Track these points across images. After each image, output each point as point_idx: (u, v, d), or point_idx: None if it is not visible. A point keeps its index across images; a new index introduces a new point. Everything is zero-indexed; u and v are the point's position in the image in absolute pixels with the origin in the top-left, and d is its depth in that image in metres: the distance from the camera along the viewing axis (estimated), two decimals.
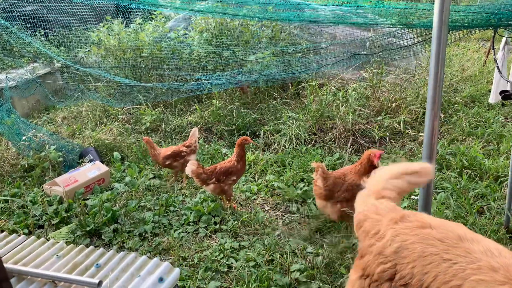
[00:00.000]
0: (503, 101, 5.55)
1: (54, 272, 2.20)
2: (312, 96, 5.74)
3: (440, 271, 1.40)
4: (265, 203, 4.10)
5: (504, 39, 3.79)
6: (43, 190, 4.35)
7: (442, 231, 1.52)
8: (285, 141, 5.18)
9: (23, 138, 4.78)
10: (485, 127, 5.21)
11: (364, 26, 4.97)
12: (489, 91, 5.40)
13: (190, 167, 3.83)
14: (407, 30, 4.11)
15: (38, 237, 2.64)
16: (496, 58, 3.45)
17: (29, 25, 6.92)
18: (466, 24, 3.29)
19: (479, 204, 3.72)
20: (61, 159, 4.77)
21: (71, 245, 2.53)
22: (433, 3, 2.12)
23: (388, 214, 1.76)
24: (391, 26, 4.03)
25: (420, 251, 1.49)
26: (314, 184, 3.58)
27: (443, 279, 1.38)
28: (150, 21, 7.37)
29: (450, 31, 3.62)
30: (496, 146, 4.75)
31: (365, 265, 1.66)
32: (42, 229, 3.79)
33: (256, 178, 4.54)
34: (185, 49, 6.52)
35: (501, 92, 3.02)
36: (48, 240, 2.60)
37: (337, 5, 3.99)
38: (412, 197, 3.91)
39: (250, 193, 4.22)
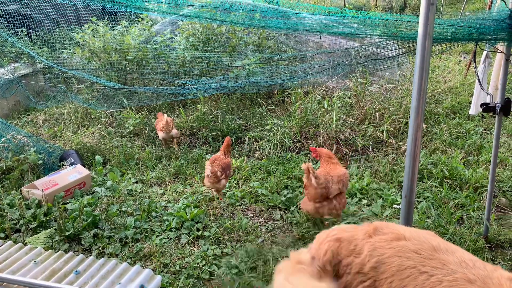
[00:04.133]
0: (483, 113, 5.68)
1: (31, 279, 2.14)
2: (297, 103, 5.77)
3: (417, 284, 1.40)
4: (248, 210, 4.08)
5: (485, 53, 3.86)
6: (21, 193, 4.24)
7: (417, 243, 1.52)
8: (270, 148, 5.18)
9: (2, 139, 4.66)
10: (466, 138, 5.32)
11: (350, 36, 5.01)
12: (470, 103, 5.51)
13: (209, 168, 3.86)
14: (392, 41, 4.17)
15: (15, 242, 2.58)
16: (477, 71, 3.52)
17: (12, 24, 6.78)
18: (449, 37, 3.35)
19: (459, 214, 3.79)
20: (41, 161, 4.66)
21: (50, 250, 2.47)
22: (418, 16, 2.16)
23: (360, 228, 1.72)
24: (376, 36, 4.08)
25: (397, 265, 1.48)
26: (307, 187, 3.47)
27: None
28: (136, 24, 7.31)
29: (434, 44, 3.69)
30: (475, 157, 4.85)
31: (344, 286, 1.64)
32: (19, 233, 3.69)
33: (240, 184, 4.52)
34: (171, 53, 6.48)
35: (482, 105, 3.09)
36: (26, 245, 2.54)
37: (323, 15, 4.03)
38: (394, 206, 3.95)
39: (234, 199, 4.20)
